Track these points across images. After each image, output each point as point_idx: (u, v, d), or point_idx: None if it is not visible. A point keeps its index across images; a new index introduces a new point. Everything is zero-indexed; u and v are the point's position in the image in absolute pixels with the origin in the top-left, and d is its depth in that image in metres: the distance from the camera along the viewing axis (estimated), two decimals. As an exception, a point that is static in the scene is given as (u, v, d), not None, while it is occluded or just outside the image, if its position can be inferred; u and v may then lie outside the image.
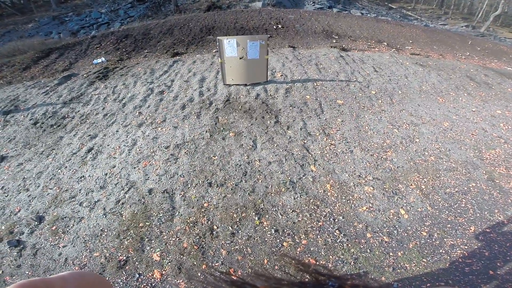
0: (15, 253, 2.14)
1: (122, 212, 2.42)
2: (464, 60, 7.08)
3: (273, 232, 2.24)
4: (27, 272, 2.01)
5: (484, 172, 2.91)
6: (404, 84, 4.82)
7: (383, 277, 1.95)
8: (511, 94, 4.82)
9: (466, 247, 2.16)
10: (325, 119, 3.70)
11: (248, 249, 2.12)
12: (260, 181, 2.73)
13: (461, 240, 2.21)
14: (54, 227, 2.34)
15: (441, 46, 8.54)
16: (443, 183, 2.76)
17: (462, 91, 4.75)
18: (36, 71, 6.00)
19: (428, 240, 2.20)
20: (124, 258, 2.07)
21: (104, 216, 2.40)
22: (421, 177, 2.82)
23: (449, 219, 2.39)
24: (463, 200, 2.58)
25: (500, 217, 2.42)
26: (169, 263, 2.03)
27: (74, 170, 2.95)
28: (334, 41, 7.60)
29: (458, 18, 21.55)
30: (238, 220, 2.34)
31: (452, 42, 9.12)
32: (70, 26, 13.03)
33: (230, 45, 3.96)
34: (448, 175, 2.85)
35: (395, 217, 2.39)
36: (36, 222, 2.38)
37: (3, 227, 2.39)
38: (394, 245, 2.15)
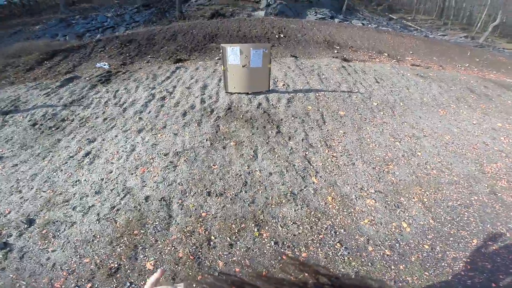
0: (0, 256, 2.07)
1: (117, 219, 2.36)
2: (464, 71, 7.18)
3: (272, 244, 2.18)
4: (11, 275, 1.94)
5: (486, 185, 2.91)
6: (406, 95, 4.85)
7: None
8: (511, 107, 4.87)
9: (468, 260, 2.14)
10: (327, 130, 3.68)
11: (246, 261, 2.06)
12: (260, 192, 2.68)
13: (463, 253, 2.20)
14: (45, 230, 2.27)
15: (441, 57, 8.67)
16: (445, 196, 2.75)
17: (463, 103, 4.80)
18: (39, 73, 6.02)
19: (431, 253, 2.18)
20: (116, 265, 2.00)
21: (97, 222, 2.33)
22: (423, 190, 2.80)
23: (451, 232, 2.38)
24: (466, 213, 2.57)
25: (502, 230, 2.42)
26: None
27: (70, 174, 2.89)
28: (336, 51, 7.70)
29: (457, 29, 22.02)
30: (236, 231, 2.28)
31: (452, 53, 9.28)
32: (76, 29, 13.22)
33: (233, 52, 3.98)
34: (450, 189, 2.83)
35: (397, 230, 2.36)
36: (26, 225, 2.31)
37: (-9, 230, 2.30)
38: (396, 258, 2.13)
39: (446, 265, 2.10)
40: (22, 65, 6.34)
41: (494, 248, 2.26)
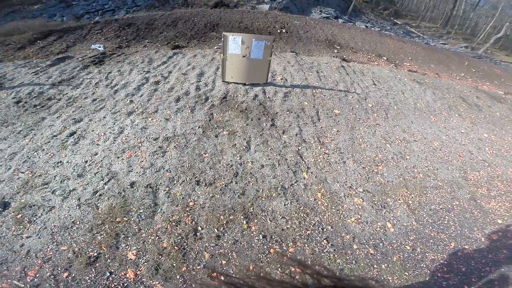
0: None
1: (99, 205, 2.25)
2: (459, 81, 7.27)
3: (261, 237, 2.15)
4: None
5: (467, 192, 3.04)
6: (400, 99, 4.87)
7: None
8: (499, 118, 5.02)
9: (445, 262, 2.21)
10: (321, 127, 3.64)
11: (234, 254, 2.02)
12: (251, 183, 2.62)
13: (441, 255, 2.27)
14: (20, 215, 2.13)
15: (438, 65, 8.75)
16: (429, 199, 2.84)
17: (454, 112, 4.91)
18: (30, 52, 5.73)
19: (411, 254, 2.23)
20: (95, 254, 1.90)
21: (77, 207, 2.21)
22: (409, 192, 2.88)
23: (432, 234, 2.44)
24: (446, 217, 2.65)
25: (478, 234, 2.52)
26: (145, 263, 1.88)
27: (52, 154, 2.74)
28: (336, 51, 7.65)
29: (459, 38, 22.28)
30: (225, 222, 2.22)
31: (449, 62, 9.37)
32: (75, 10, 12.71)
33: (234, 42, 3.86)
34: (434, 193, 2.93)
35: (381, 230, 2.41)
36: None
37: (-39, 211, 2.16)
38: (379, 257, 2.16)
39: (424, 266, 2.15)
40: (14, 43, 6.03)
41: (469, 251, 2.34)
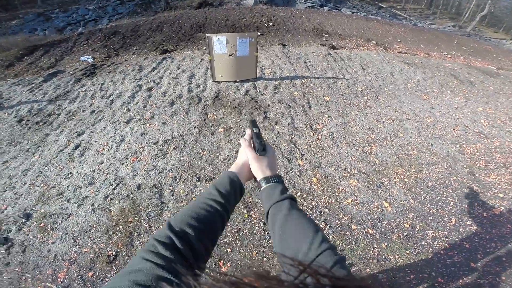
0: (3, 251, 2.13)
1: (111, 208, 2.43)
2: (450, 59, 7.34)
3: (261, 225, 2.27)
4: (16, 269, 2.00)
5: (465, 166, 2.98)
6: (390, 81, 4.97)
7: (368, 269, 1.98)
8: (493, 92, 4.99)
9: (447, 239, 2.20)
10: (312, 115, 3.79)
11: (237, 242, 2.15)
12: (248, 175, 2.79)
13: (442, 232, 2.25)
14: (42, 224, 2.33)
15: (428, 45, 8.81)
16: (426, 176, 2.81)
17: (445, 89, 4.91)
18: (20, 69, 5.82)
19: (411, 232, 2.24)
20: (114, 253, 2.08)
21: (92, 212, 2.40)
22: (404, 170, 2.88)
23: (430, 211, 2.43)
24: (445, 193, 2.64)
25: (479, 210, 2.48)
26: (158, 257, 2.07)
27: (61, 167, 2.92)
28: (324, 39, 7.72)
29: (445, 18, 22.19)
30: (226, 213, 2.40)
31: (439, 41, 9.43)
32: (56, 23, 12.62)
33: (219, 42, 3.98)
34: (430, 169, 2.90)
35: (379, 210, 2.42)
36: (23, 220, 2.36)
37: (-12, 225, 2.35)
38: (378, 237, 2.19)
39: (426, 244, 2.15)
40: (1, 61, 6.10)
41: (472, 228, 2.31)
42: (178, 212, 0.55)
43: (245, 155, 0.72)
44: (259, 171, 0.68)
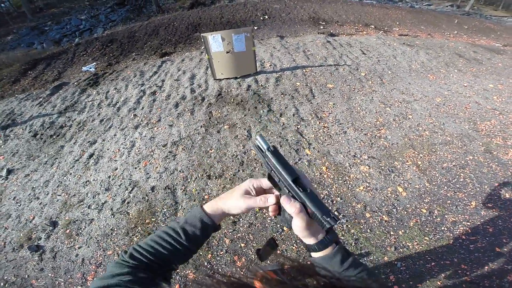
0: (37, 258, 2.27)
1: (129, 211, 2.54)
2: (453, 39, 7.09)
3: (273, 218, 2.28)
4: (50, 275, 2.12)
5: (480, 143, 2.81)
6: (393, 64, 4.87)
7: (385, 257, 1.92)
8: (502, 68, 4.77)
9: (468, 223, 2.08)
10: (317, 103, 3.78)
11: (250, 236, 2.18)
12: (257, 169, 2.84)
13: (462, 216, 2.13)
14: (68, 230, 2.46)
15: (428, 26, 8.52)
16: (440, 157, 2.66)
17: (452, 68, 4.76)
18: (26, 83, 5.99)
19: (429, 218, 2.13)
20: None
21: (112, 216, 2.51)
22: (416, 152, 2.77)
23: (448, 195, 2.30)
24: (462, 174, 2.49)
25: (501, 190, 2.30)
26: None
27: (79, 176, 3.05)
28: (322, 27, 7.57)
29: None
30: (239, 208, 2.45)
31: (439, 22, 9.10)
32: (51, 35, 12.76)
33: (215, 40, 3.98)
34: (444, 149, 2.78)
35: (393, 195, 2.31)
36: (50, 227, 2.50)
37: (21, 234, 2.50)
38: (394, 224, 2.10)
39: (446, 229, 2.04)
40: (6, 77, 6.28)
41: (494, 210, 2.14)
42: (141, 243, 0.57)
43: (241, 200, 0.56)
44: (311, 237, 0.52)
